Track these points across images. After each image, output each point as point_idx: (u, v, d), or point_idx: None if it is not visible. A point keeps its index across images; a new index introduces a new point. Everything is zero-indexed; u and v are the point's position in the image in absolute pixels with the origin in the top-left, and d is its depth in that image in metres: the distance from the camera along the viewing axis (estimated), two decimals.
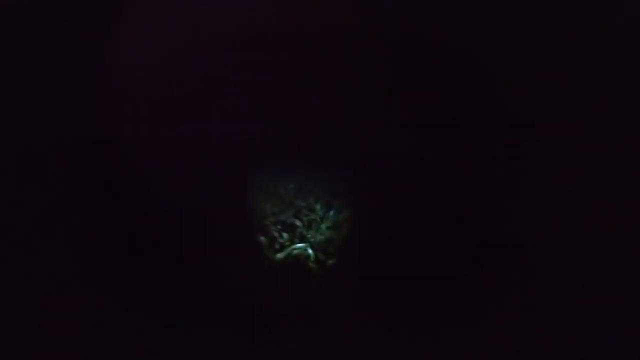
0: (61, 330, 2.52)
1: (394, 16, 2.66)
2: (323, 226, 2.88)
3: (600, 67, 2.71)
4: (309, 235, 2.87)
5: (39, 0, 2.80)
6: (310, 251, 2.87)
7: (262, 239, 2.83)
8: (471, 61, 2.73)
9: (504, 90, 2.71)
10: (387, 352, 2.53)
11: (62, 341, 2.51)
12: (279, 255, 2.82)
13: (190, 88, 2.69)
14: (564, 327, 2.53)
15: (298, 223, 2.86)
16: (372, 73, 2.67)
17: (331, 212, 2.88)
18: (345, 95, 2.65)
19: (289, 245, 2.86)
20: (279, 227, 2.84)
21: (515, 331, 2.54)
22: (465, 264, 2.64)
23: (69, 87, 2.75)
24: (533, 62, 2.73)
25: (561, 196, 2.66)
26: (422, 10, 2.66)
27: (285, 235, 2.83)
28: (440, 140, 2.69)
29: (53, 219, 2.67)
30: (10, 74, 2.76)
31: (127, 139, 2.66)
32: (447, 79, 2.71)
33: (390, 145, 2.65)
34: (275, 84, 2.69)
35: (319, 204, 2.86)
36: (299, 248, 2.87)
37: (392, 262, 2.69)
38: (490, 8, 2.75)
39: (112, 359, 2.49)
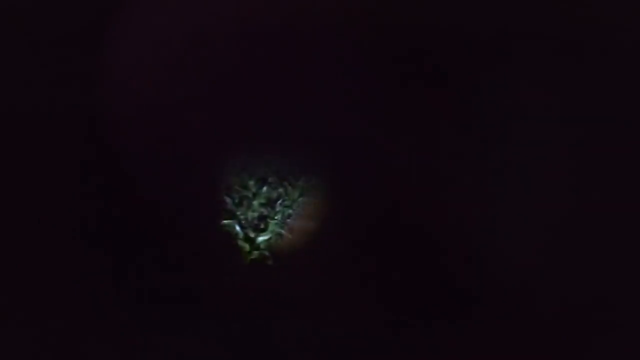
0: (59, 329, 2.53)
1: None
2: (255, 203, 2.85)
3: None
4: (239, 213, 2.85)
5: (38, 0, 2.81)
6: (238, 228, 2.84)
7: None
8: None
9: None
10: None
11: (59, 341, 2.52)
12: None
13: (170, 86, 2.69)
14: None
15: (228, 200, 2.83)
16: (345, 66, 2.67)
17: (265, 189, 2.86)
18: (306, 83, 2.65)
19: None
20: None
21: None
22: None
23: (68, 86, 2.75)
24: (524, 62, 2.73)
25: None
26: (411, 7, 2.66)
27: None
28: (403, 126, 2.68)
29: (51, 219, 2.68)
30: (10, 74, 2.76)
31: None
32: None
33: (342, 129, 2.65)
34: (270, 81, 2.70)
35: (252, 180, 2.84)
36: (227, 225, 2.85)
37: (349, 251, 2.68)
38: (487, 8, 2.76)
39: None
